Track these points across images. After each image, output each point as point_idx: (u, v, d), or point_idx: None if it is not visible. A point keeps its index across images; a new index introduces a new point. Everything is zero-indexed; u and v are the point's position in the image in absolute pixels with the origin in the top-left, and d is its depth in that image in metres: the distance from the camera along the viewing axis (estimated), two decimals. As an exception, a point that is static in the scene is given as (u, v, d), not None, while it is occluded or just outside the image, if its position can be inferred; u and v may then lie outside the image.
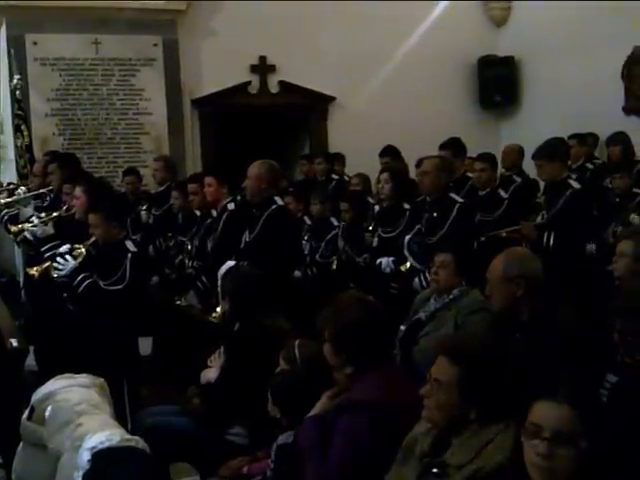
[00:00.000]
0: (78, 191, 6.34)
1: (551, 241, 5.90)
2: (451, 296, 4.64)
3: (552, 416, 2.31)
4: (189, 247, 7.28)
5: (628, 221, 6.65)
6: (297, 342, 3.82)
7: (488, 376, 2.75)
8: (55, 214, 6.81)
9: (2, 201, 7.91)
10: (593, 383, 3.28)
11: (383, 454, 3.05)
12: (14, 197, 7.94)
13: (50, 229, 6.77)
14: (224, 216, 6.82)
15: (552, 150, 6.21)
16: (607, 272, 4.66)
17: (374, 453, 3.08)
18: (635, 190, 7.11)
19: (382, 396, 3.16)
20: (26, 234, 6.89)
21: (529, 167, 7.69)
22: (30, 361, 5.98)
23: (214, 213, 7.18)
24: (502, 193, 7.50)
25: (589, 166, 8.39)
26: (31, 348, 6.22)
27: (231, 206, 6.84)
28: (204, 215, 7.25)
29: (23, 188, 8.03)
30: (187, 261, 7.26)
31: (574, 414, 2.29)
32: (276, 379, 3.67)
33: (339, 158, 9.65)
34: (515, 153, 8.41)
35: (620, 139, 8.26)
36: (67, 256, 5.66)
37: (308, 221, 7.95)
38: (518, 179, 8.12)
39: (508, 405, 2.70)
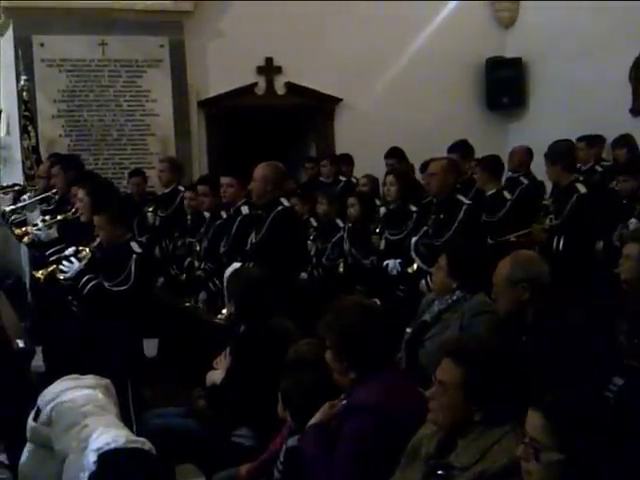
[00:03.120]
0: (81, 193, 6.34)
1: (561, 245, 5.91)
2: (454, 297, 4.62)
3: (531, 423, 2.35)
4: (197, 248, 7.27)
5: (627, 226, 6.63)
6: (295, 345, 3.81)
7: (492, 378, 2.75)
8: (60, 217, 6.81)
9: (7, 209, 7.92)
10: (596, 388, 3.28)
11: (388, 457, 3.05)
12: (20, 203, 7.96)
13: (54, 233, 6.79)
14: (238, 219, 6.81)
15: (555, 154, 6.24)
16: (614, 275, 4.64)
17: (379, 456, 3.08)
18: None
19: (386, 399, 3.15)
20: (32, 237, 6.91)
21: (538, 168, 7.70)
22: (36, 362, 5.98)
23: (224, 214, 7.17)
24: (506, 194, 7.48)
25: (598, 169, 8.35)
26: (38, 349, 6.23)
27: (245, 210, 6.81)
28: (213, 216, 7.24)
29: (32, 192, 8.05)
30: (196, 262, 7.26)
31: (547, 425, 2.30)
32: (287, 382, 3.66)
33: (347, 159, 9.62)
34: (521, 154, 8.39)
35: (626, 141, 8.24)
36: (72, 258, 5.67)
37: (314, 223, 7.93)
38: (525, 181, 8.11)
39: (513, 407, 2.70)
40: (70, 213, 6.72)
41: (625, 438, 2.41)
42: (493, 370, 2.76)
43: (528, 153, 8.40)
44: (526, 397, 2.54)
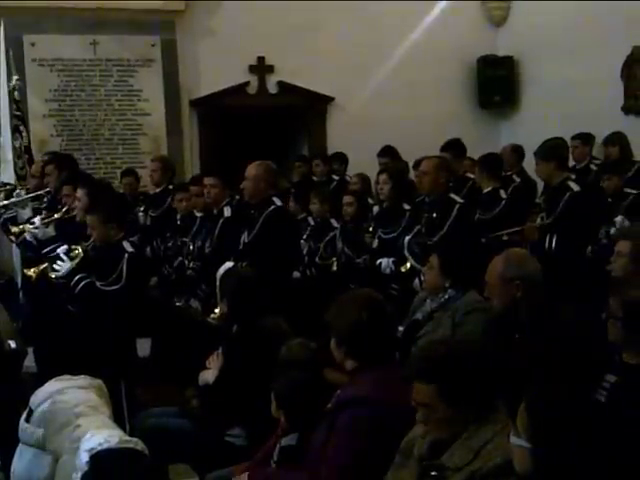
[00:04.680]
0: (80, 193, 6.33)
1: (553, 243, 5.91)
2: (446, 296, 4.65)
3: (518, 418, 2.39)
4: (191, 248, 7.25)
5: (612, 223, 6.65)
6: (287, 345, 3.82)
7: (464, 378, 2.75)
8: (56, 216, 6.80)
9: None
10: (586, 386, 3.28)
11: (383, 452, 3.05)
12: (12, 199, 7.92)
13: (51, 231, 6.76)
14: (220, 221, 6.80)
15: (548, 150, 6.23)
16: (605, 272, 4.66)
17: (373, 450, 3.09)
18: (626, 190, 7.11)
19: (382, 393, 3.16)
20: (27, 235, 6.88)
21: (529, 166, 7.71)
22: (28, 362, 5.97)
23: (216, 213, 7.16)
24: (502, 193, 7.49)
25: (592, 167, 8.37)
26: (30, 349, 6.21)
27: (227, 212, 6.79)
28: (206, 216, 7.22)
29: (22, 191, 8.02)
30: (187, 262, 7.24)
31: (525, 415, 2.35)
32: (279, 381, 3.66)
33: (340, 158, 9.61)
34: (508, 153, 8.39)
35: (617, 139, 8.26)
36: (64, 257, 5.65)
37: (312, 222, 7.90)
38: (517, 179, 8.11)
39: (504, 397, 2.72)
40: (63, 212, 6.70)
41: (608, 437, 2.43)
42: (460, 371, 2.76)
43: (515, 152, 8.40)
44: (515, 387, 2.57)
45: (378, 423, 3.11)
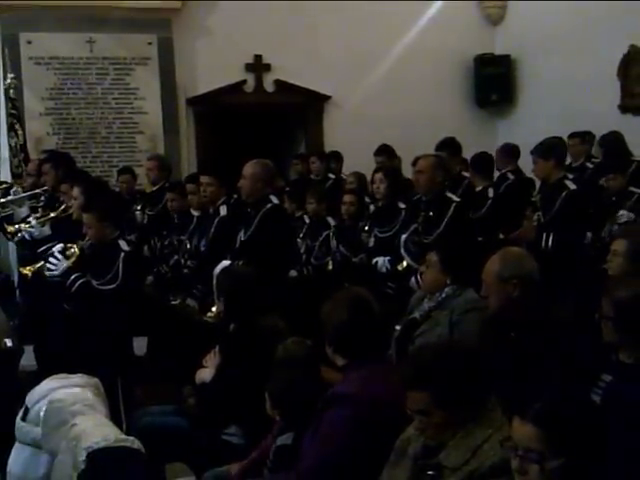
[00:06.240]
0: (76, 192, 6.31)
1: (549, 242, 5.91)
2: (443, 295, 4.64)
3: (521, 434, 2.34)
4: (188, 246, 7.24)
5: (615, 219, 6.65)
6: (283, 344, 3.81)
7: (456, 380, 2.74)
8: (52, 214, 6.78)
9: None
10: (584, 386, 3.28)
11: (368, 451, 3.05)
12: (9, 197, 7.91)
13: (47, 230, 6.75)
14: (216, 220, 6.79)
15: (548, 149, 6.24)
16: (601, 270, 4.67)
17: (357, 450, 3.09)
18: (632, 189, 7.10)
19: (370, 391, 3.16)
20: (23, 234, 6.87)
21: (526, 164, 7.70)
22: (24, 361, 5.96)
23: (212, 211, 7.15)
24: (489, 192, 7.49)
25: (589, 165, 8.37)
26: (28, 348, 6.20)
27: (223, 210, 6.79)
28: (202, 215, 7.21)
29: (19, 189, 8.01)
30: (183, 261, 7.23)
31: (540, 433, 2.29)
32: (274, 380, 3.66)
33: (336, 157, 9.61)
34: (499, 153, 8.35)
35: (611, 138, 8.26)
36: (60, 256, 5.64)
37: (307, 220, 7.90)
38: (511, 177, 8.10)
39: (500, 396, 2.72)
40: (60, 210, 6.69)
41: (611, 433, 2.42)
42: (451, 374, 2.75)
43: (504, 151, 8.35)
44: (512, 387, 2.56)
45: (362, 422, 3.11)
